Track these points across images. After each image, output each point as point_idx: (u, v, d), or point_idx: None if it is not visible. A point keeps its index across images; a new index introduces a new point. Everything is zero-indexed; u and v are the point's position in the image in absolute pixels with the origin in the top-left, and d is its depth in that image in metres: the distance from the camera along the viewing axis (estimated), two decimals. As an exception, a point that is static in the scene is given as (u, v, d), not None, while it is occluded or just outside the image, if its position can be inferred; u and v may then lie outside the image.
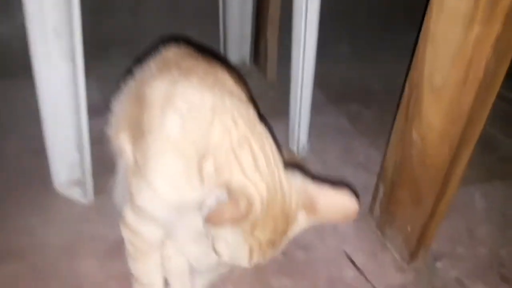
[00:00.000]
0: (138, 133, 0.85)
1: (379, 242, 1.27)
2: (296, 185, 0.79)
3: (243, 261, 0.79)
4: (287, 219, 0.78)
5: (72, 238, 1.22)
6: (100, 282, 1.10)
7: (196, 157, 0.77)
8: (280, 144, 0.84)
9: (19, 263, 1.13)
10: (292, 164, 0.84)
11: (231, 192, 0.72)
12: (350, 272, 1.18)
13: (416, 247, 1.13)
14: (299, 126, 1.56)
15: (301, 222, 0.80)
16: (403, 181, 1.11)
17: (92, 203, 1.33)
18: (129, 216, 0.88)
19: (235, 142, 0.75)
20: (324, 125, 1.74)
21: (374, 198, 1.26)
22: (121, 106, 0.97)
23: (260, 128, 0.81)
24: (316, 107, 1.62)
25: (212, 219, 0.71)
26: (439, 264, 1.21)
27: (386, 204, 1.20)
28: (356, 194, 0.79)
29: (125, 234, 0.90)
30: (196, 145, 0.77)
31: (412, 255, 1.15)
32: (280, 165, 0.79)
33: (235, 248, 0.77)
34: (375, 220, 1.28)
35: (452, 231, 1.30)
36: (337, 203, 0.78)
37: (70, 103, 1.23)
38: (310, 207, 0.78)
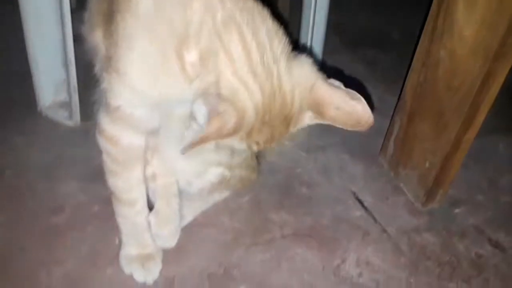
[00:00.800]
0: (109, 20, 0.72)
1: (390, 184, 1.15)
2: (302, 80, 0.64)
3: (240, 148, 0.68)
4: (288, 122, 0.66)
5: (55, 160, 1.11)
6: (82, 204, 1.00)
7: (174, 41, 0.61)
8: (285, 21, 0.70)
9: (1, 179, 1.03)
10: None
11: (219, 101, 0.59)
12: (357, 212, 1.07)
13: (433, 187, 1.01)
14: (311, 37, 1.40)
15: (306, 121, 0.68)
16: (425, 109, 0.98)
17: (78, 126, 1.22)
18: (105, 121, 0.76)
19: (218, 22, 0.60)
20: (338, 67, 1.60)
21: (388, 136, 1.14)
22: (94, 1, 0.83)
23: (252, 4, 0.63)
24: (330, 52, 1.49)
25: (198, 144, 0.60)
26: (456, 210, 1.09)
27: (402, 140, 1.07)
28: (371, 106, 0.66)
29: (101, 143, 0.78)
30: (172, 25, 0.61)
31: (428, 196, 1.03)
32: (280, 56, 0.62)
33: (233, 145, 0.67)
34: (387, 161, 1.16)
35: (473, 179, 1.18)
36: (349, 109, 0.64)
37: (54, 15, 1.11)
38: (316, 109, 0.65)
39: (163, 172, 0.88)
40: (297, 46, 0.67)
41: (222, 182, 0.96)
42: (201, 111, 0.62)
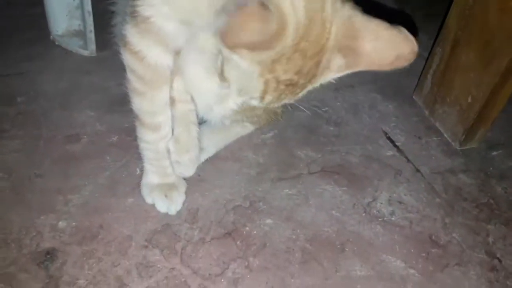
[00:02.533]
0: None
1: (424, 123, 1.08)
2: (342, 16, 0.57)
3: (254, 95, 0.61)
4: (319, 58, 0.58)
5: (69, 88, 1.06)
6: (99, 133, 0.95)
7: None
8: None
9: (7, 107, 0.98)
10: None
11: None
12: (388, 152, 1.01)
13: (474, 124, 0.94)
14: None
15: (334, 69, 0.60)
16: (472, 36, 0.89)
17: (93, 55, 1.15)
18: (132, 32, 0.69)
19: None
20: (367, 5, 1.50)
21: (425, 71, 1.06)
22: None
23: None
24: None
25: (229, 34, 0.49)
26: (494, 153, 1.03)
27: (442, 73, 0.99)
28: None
29: (127, 58, 0.72)
30: None
31: (467, 135, 0.96)
32: None
33: (248, 78, 0.58)
34: (422, 98, 1.08)
35: (510, 121, 1.10)
36: (389, 40, 0.58)
37: None
38: (352, 46, 0.58)
39: (182, 98, 0.82)
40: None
41: (243, 112, 0.90)
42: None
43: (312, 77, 0.60)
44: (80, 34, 1.17)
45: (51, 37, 1.18)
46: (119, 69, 0.75)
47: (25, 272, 0.71)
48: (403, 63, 0.58)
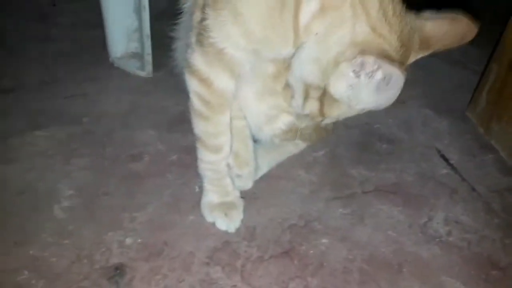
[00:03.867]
0: None
1: (478, 141, 1.07)
2: (418, 26, 0.67)
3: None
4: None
5: (129, 109, 1.11)
6: (160, 152, 1.00)
7: None
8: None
9: (75, 126, 1.04)
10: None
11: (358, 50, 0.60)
12: (443, 170, 1.00)
13: (533, 143, 0.92)
14: None
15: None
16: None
17: (150, 76, 1.21)
18: (199, 62, 0.73)
19: None
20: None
21: (480, 88, 1.05)
22: None
23: None
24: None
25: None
26: (554, 171, 1.00)
27: (498, 90, 0.98)
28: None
29: (193, 85, 0.76)
30: None
31: (526, 153, 0.94)
32: (405, 12, 0.65)
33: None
34: (476, 116, 1.07)
35: None
36: (454, 31, 0.68)
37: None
38: (424, 44, 0.68)
39: (237, 114, 0.86)
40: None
41: (292, 131, 0.92)
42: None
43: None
44: (138, 56, 1.23)
45: (111, 59, 1.25)
46: (175, 90, 0.80)
47: (97, 286, 0.75)
48: (467, 41, 0.68)
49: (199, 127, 0.80)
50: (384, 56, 0.60)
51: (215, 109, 0.76)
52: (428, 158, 1.03)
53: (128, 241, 0.83)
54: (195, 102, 0.77)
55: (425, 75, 1.21)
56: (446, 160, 1.02)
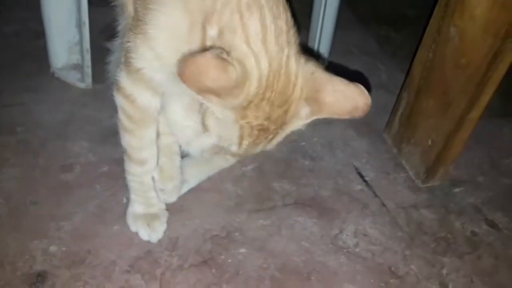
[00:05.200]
0: None
1: (393, 160, 1.17)
2: (306, 71, 0.67)
3: (233, 142, 0.70)
4: (287, 107, 0.67)
5: (66, 119, 1.14)
6: (91, 163, 1.03)
7: (202, 14, 0.65)
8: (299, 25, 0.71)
9: (9, 136, 1.06)
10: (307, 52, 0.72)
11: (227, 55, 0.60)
12: (357, 186, 1.09)
13: (434, 164, 1.02)
14: (319, 41, 1.42)
15: (302, 116, 0.70)
16: (432, 86, 0.99)
17: (89, 88, 1.24)
18: (124, 79, 0.78)
19: (243, 4, 0.63)
20: (349, 43, 1.60)
21: (394, 113, 1.15)
22: None
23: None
24: (343, 26, 1.49)
25: (190, 76, 0.57)
26: (456, 190, 1.11)
27: (407, 117, 1.09)
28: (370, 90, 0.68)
29: (119, 100, 0.81)
30: (203, 1, 0.65)
31: (429, 174, 1.05)
32: (293, 44, 0.67)
33: (225, 125, 0.67)
34: (391, 137, 1.17)
35: (475, 161, 1.19)
36: (347, 94, 0.67)
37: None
38: (315, 97, 0.67)
39: (166, 131, 0.91)
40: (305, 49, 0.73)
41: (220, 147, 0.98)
42: None
43: (282, 123, 0.69)
44: (78, 67, 1.26)
45: (51, 69, 1.27)
46: (112, 102, 0.83)
47: (18, 293, 0.78)
48: (359, 113, 0.67)
49: (125, 140, 0.85)
50: None
51: (138, 124, 0.82)
52: (345, 175, 1.11)
53: (52, 249, 0.86)
54: (121, 116, 0.82)
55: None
56: (361, 177, 1.11)
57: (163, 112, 0.87)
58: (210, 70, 0.57)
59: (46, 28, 1.22)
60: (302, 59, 0.68)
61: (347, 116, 0.68)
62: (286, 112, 0.68)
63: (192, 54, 0.58)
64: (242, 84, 0.61)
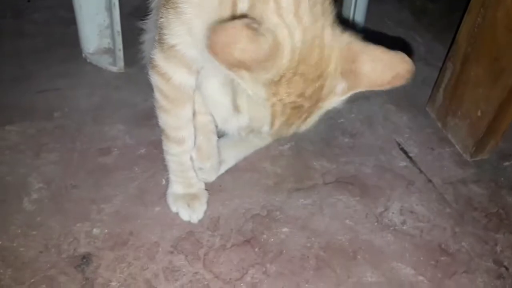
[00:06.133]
0: None
1: (437, 135, 1.12)
2: (342, 42, 0.63)
3: (265, 122, 0.66)
4: (322, 82, 0.63)
5: (100, 103, 1.14)
6: (129, 146, 1.03)
7: None
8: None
9: (46, 121, 1.06)
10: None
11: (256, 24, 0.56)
12: (401, 163, 1.05)
13: (484, 137, 0.97)
14: (354, 10, 1.36)
15: (339, 92, 0.65)
16: (480, 52, 0.93)
17: (122, 72, 1.23)
18: (158, 57, 0.76)
19: None
20: (384, 15, 1.54)
21: (437, 84, 1.10)
22: None
23: None
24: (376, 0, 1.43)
25: (219, 44, 0.53)
26: (506, 163, 1.05)
27: (453, 87, 1.03)
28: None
29: (154, 78, 0.79)
30: None
31: (478, 147, 1.00)
32: (328, 14, 0.63)
33: (256, 104, 0.64)
34: (435, 111, 1.12)
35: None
36: (386, 62, 0.62)
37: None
38: (352, 69, 0.62)
39: (202, 110, 0.89)
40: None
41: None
42: None
43: (317, 100, 0.65)
44: (110, 51, 1.25)
45: (83, 54, 1.27)
46: (146, 85, 0.82)
47: (64, 274, 0.78)
48: (401, 81, 0.62)
49: (162, 119, 0.83)
50: None
51: (175, 103, 0.80)
52: (388, 151, 1.07)
53: (95, 231, 0.86)
54: (157, 96, 0.80)
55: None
56: (405, 152, 1.07)
57: (199, 90, 0.86)
58: (240, 40, 0.53)
59: (76, 13, 1.21)
60: (338, 30, 0.63)
61: (388, 86, 0.63)
62: (321, 87, 0.63)
63: (221, 23, 0.55)
64: (274, 56, 0.57)
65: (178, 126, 0.83)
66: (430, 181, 1.01)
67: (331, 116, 1.16)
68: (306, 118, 0.68)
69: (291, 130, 0.69)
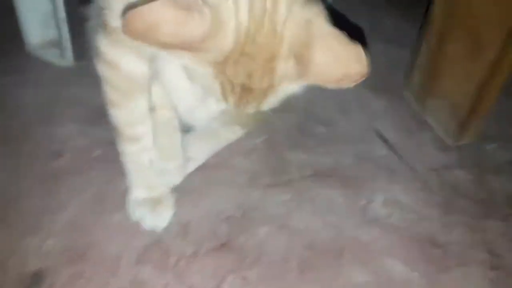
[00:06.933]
0: None
1: (415, 119, 1.06)
2: (300, 18, 0.52)
3: (217, 96, 0.58)
4: (273, 65, 0.53)
5: (49, 101, 1.01)
6: (83, 148, 0.91)
7: None
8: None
9: (-15, 124, 0.94)
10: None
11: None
12: (381, 151, 0.99)
13: (467, 118, 0.92)
14: None
15: (293, 77, 0.55)
16: (458, 26, 0.87)
17: (71, 66, 1.11)
18: (103, 43, 0.66)
19: None
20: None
21: (413, 65, 1.04)
22: None
23: None
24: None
25: (136, 30, 0.46)
26: (489, 147, 1.01)
27: (430, 66, 0.97)
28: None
29: (101, 68, 0.69)
30: None
31: (461, 129, 0.94)
32: None
33: (205, 79, 0.56)
34: (413, 94, 1.07)
35: (504, 114, 1.08)
36: (340, 56, 0.52)
37: None
38: (304, 54, 0.52)
39: (162, 103, 0.79)
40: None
41: (226, 113, 0.87)
42: None
43: (270, 85, 0.56)
44: (56, 43, 1.12)
45: (26, 48, 1.14)
46: (100, 80, 0.72)
47: (11, 298, 0.67)
48: (349, 83, 0.53)
49: (113, 115, 0.73)
50: None
51: (126, 95, 0.70)
52: (366, 140, 1.01)
53: (47, 245, 0.75)
54: (105, 88, 0.70)
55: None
56: (384, 140, 1.01)
57: (158, 78, 0.76)
58: (163, 23, 0.45)
59: (15, 2, 1.08)
60: (297, 2, 0.52)
61: (333, 85, 0.54)
62: (271, 70, 0.54)
63: (139, 7, 0.45)
64: (214, 36, 0.49)
65: (132, 122, 0.74)
66: (412, 169, 0.95)
67: (304, 106, 1.09)
68: (261, 100, 0.58)
69: (250, 109, 0.60)
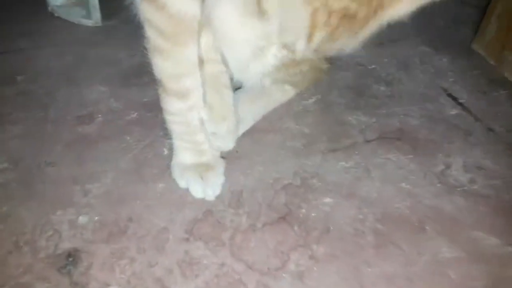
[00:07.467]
0: None
1: (486, 76, 0.93)
2: None
3: (300, 33, 0.47)
4: None
5: (75, 63, 0.92)
6: (116, 111, 0.81)
7: None
8: None
9: (7, 87, 0.84)
10: None
11: None
12: (452, 110, 0.86)
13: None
14: None
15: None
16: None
17: (99, 25, 1.00)
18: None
19: None
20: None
21: (488, 14, 0.91)
22: None
23: None
24: None
25: None
26: None
27: (509, 16, 0.84)
28: None
29: (145, 10, 0.58)
30: None
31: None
32: None
33: (291, 6, 0.45)
34: (485, 48, 0.93)
35: None
36: None
37: None
38: None
39: (211, 57, 0.68)
40: None
41: (285, 69, 0.76)
42: None
43: (378, 6, 0.46)
44: (82, 2, 1.02)
45: (49, 8, 1.04)
46: (130, 39, 0.62)
47: (44, 280, 0.57)
48: None
49: (158, 66, 0.62)
50: None
51: (173, 41, 0.59)
52: (434, 99, 0.89)
53: (82, 220, 0.65)
54: (149, 33, 0.60)
55: (415, 13, 1.07)
56: (454, 99, 0.88)
57: (208, 25, 0.64)
58: None
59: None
60: None
61: None
62: None
63: None
64: None
65: (179, 73, 0.62)
66: (491, 129, 0.82)
67: (360, 62, 0.97)
68: (356, 32, 0.47)
69: (335, 48, 0.50)
